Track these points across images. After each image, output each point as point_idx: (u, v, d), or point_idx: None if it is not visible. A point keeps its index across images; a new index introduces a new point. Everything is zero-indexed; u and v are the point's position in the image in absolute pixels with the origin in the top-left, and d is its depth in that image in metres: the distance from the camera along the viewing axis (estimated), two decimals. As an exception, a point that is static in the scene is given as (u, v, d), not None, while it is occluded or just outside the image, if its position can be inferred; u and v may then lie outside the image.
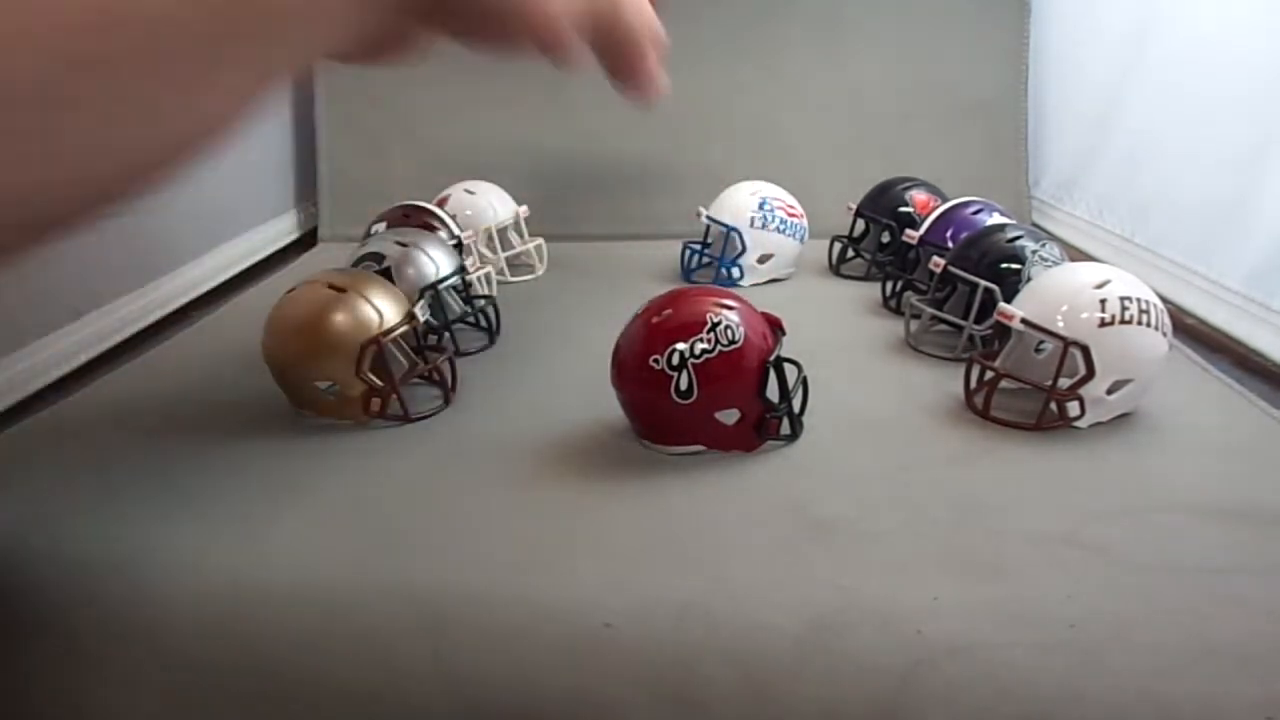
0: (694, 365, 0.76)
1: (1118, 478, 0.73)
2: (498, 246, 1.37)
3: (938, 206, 1.22)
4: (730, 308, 0.78)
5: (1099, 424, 0.83)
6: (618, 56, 0.39)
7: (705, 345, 0.76)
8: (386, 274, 0.99)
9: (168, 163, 0.28)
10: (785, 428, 0.81)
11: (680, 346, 0.76)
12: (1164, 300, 0.85)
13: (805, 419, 0.83)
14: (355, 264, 1.03)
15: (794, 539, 0.63)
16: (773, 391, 0.81)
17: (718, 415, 0.79)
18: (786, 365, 0.82)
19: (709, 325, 0.76)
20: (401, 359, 0.86)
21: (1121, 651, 0.49)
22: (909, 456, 0.77)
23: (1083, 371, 0.80)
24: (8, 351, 0.98)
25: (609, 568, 0.59)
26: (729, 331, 0.76)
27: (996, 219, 1.15)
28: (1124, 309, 0.80)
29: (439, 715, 0.48)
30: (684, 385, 0.76)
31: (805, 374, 0.83)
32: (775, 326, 0.82)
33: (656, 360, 0.76)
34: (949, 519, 0.66)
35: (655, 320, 0.79)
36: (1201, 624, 0.52)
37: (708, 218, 1.31)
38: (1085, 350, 0.79)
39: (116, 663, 0.55)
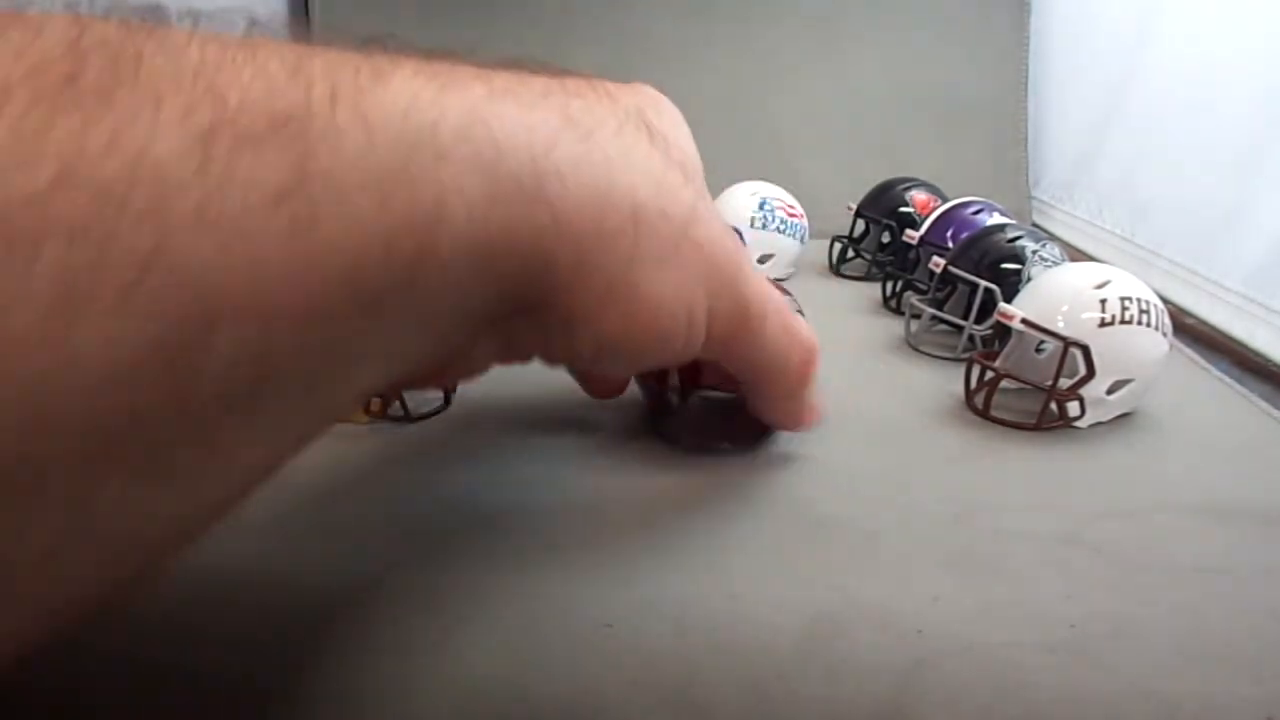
0: None
1: (1118, 478, 0.73)
2: (498, 246, 1.37)
3: (938, 206, 1.22)
4: None
5: (1099, 424, 0.83)
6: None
7: None
8: (386, 274, 0.99)
9: (178, 544, 0.19)
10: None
11: None
12: (1164, 300, 0.85)
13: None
14: (355, 264, 1.02)
15: (794, 539, 0.63)
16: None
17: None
18: None
19: None
20: (401, 359, 0.86)
21: (1121, 651, 0.49)
22: (909, 456, 0.77)
23: (1083, 371, 0.80)
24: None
25: (609, 568, 0.59)
26: None
27: (996, 219, 1.15)
28: (1124, 309, 0.80)
29: (438, 715, 0.48)
30: None
31: None
32: None
33: None
34: (949, 519, 0.66)
35: None
36: (1201, 624, 0.52)
37: (708, 218, 1.31)
38: (1085, 350, 0.79)
39: (108, 664, 0.55)
